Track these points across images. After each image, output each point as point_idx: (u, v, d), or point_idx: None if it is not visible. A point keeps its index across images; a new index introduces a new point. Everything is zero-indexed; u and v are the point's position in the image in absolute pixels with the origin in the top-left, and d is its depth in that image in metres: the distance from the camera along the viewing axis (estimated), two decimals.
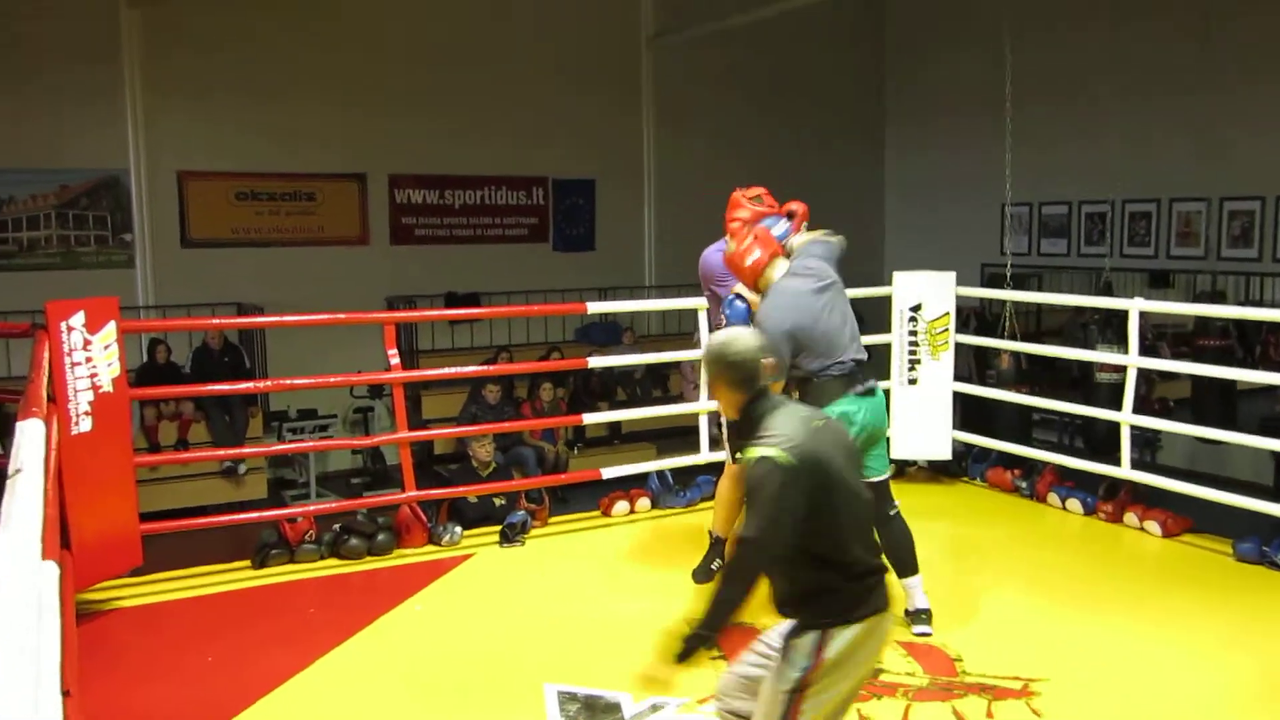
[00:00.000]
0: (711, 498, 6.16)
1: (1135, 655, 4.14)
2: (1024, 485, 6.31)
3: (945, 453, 6.50)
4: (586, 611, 4.62)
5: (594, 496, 6.09)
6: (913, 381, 6.45)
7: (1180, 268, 11.91)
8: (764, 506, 2.55)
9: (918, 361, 6.42)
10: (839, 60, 15.20)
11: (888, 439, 4.42)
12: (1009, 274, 7.35)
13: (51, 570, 2.24)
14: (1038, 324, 12.43)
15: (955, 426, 6.60)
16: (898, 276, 6.49)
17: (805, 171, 13.70)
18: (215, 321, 8.99)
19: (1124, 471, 5.72)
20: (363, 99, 11.91)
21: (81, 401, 4.43)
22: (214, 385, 8.09)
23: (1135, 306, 5.70)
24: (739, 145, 14.12)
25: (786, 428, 2.63)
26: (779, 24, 12.89)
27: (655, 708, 3.68)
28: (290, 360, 10.07)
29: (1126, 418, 5.72)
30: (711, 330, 5.51)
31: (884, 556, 2.80)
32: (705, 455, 6.28)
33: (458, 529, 5.51)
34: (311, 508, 6.01)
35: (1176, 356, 8.88)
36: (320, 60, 11.70)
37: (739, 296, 4.36)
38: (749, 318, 4.23)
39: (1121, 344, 7.19)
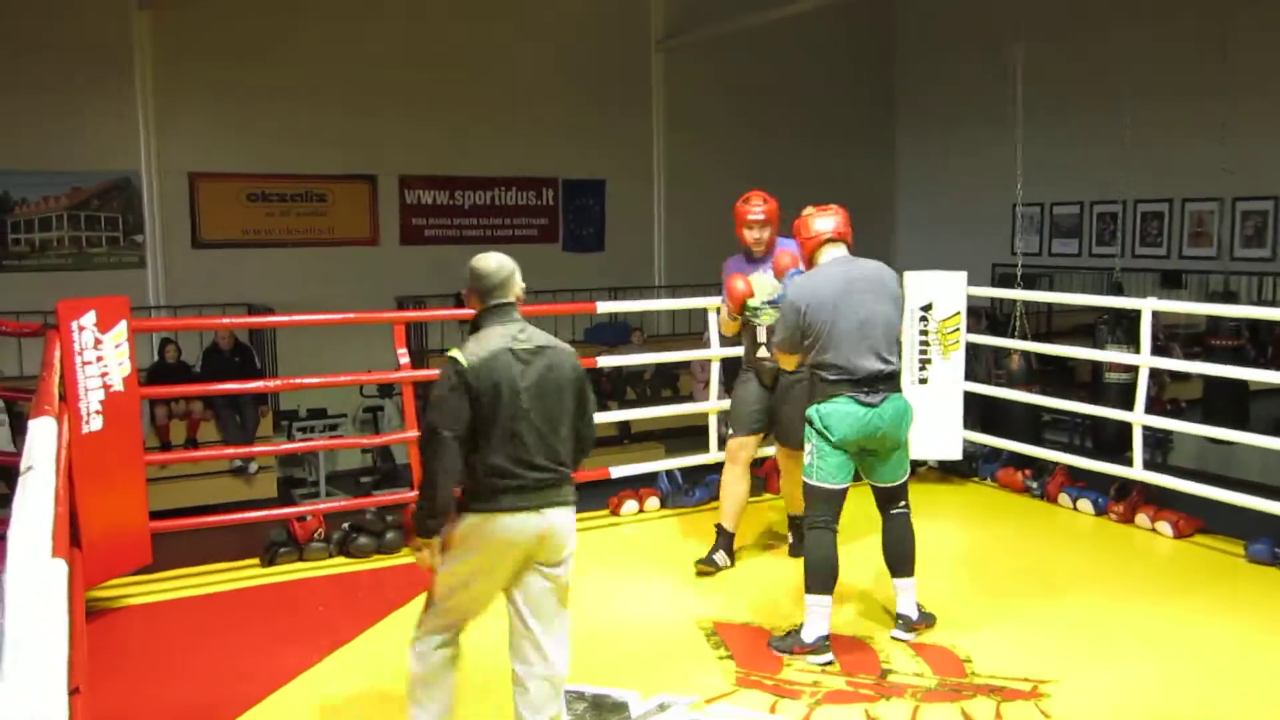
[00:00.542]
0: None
1: (1145, 657, 4.12)
2: (1035, 485, 6.29)
3: (956, 453, 6.47)
4: (594, 610, 4.61)
5: (603, 496, 6.08)
6: (923, 381, 6.43)
7: (1192, 268, 11.87)
8: (435, 394, 3.06)
9: (928, 361, 6.40)
10: (850, 61, 15.18)
11: (909, 447, 4.38)
12: (1019, 274, 7.32)
13: (61, 567, 2.25)
14: (1048, 324, 12.39)
15: (966, 427, 6.57)
16: (909, 276, 6.46)
17: (816, 172, 13.69)
18: (225, 321, 9.06)
19: (1136, 472, 5.69)
20: (373, 101, 11.95)
21: (92, 400, 4.45)
22: (224, 384, 8.11)
23: (1148, 306, 5.67)
24: (749, 147, 14.11)
25: (484, 342, 3.10)
26: (789, 27, 12.89)
27: (662, 707, 3.68)
28: (300, 360, 10.10)
29: (1139, 418, 5.69)
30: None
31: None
32: (714, 454, 6.28)
33: None
34: (321, 506, 6.01)
35: (1189, 357, 8.84)
36: (331, 62, 11.74)
37: (799, 271, 4.64)
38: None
39: (1130, 344, 7.17)
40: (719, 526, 5.16)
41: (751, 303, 5.06)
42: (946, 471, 6.68)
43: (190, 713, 3.68)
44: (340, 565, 5.18)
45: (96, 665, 3.87)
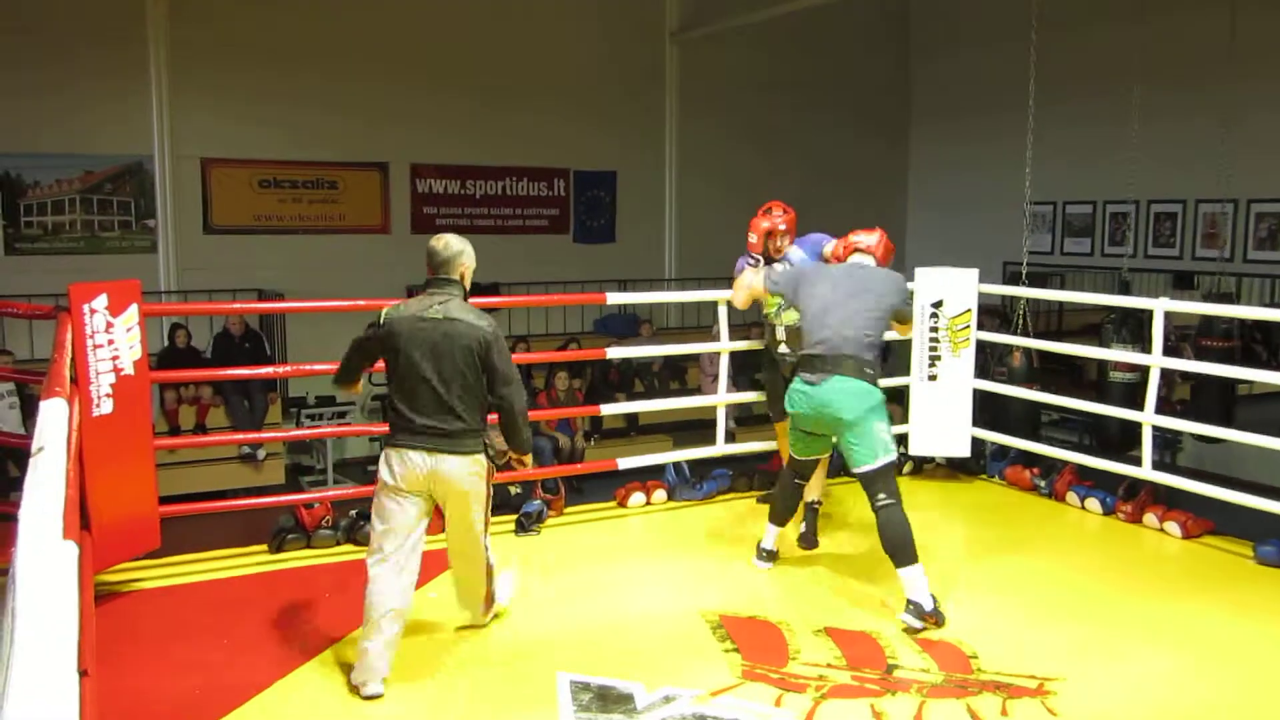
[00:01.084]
0: (727, 491, 6.18)
1: (1152, 656, 4.11)
2: (1043, 484, 6.28)
3: (964, 450, 6.46)
4: (600, 602, 4.62)
5: (610, 487, 6.09)
6: (932, 378, 6.41)
7: (1204, 269, 11.81)
8: (355, 339, 3.97)
9: (938, 358, 6.39)
10: (863, 56, 15.13)
11: (871, 434, 4.42)
12: (1024, 272, 7.31)
13: (71, 550, 2.25)
14: (1059, 323, 12.35)
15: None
16: (920, 272, 6.45)
17: (828, 167, 13.68)
18: (236, 306, 9.07)
19: (1144, 472, 5.67)
20: (386, 89, 11.95)
21: (103, 383, 4.45)
22: (233, 370, 8.10)
23: (1160, 306, 5.65)
24: (761, 140, 14.09)
25: (405, 306, 3.87)
26: (803, 19, 12.85)
27: (668, 699, 3.68)
28: (310, 347, 10.11)
29: (1148, 418, 5.67)
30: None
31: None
32: (722, 448, 6.28)
33: None
34: (329, 493, 6.02)
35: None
36: (345, 50, 11.74)
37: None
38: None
39: (1136, 343, 7.14)
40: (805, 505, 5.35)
41: (770, 300, 5.42)
42: (954, 468, 6.67)
43: (197, 697, 3.69)
44: (348, 552, 5.19)
45: (105, 648, 3.88)
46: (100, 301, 4.47)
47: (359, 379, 4.16)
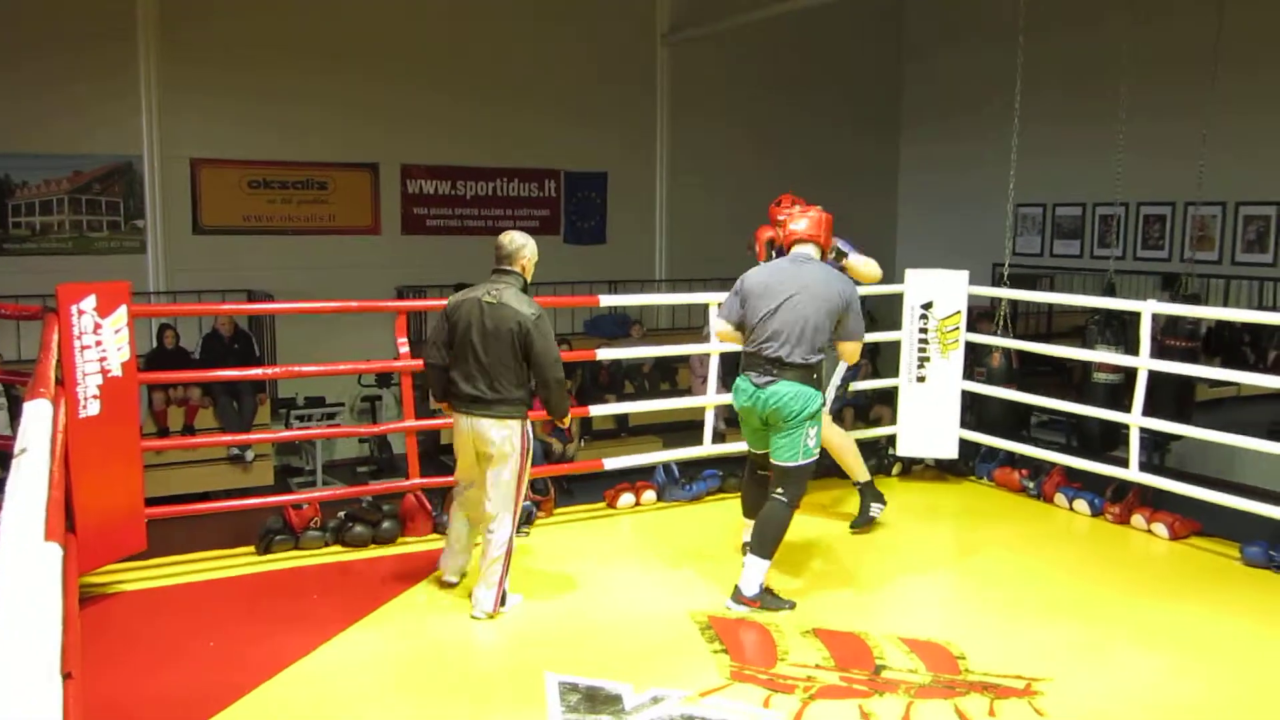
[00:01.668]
0: (716, 492, 6.18)
1: (1139, 657, 4.13)
2: (1031, 485, 6.29)
3: (952, 451, 6.47)
4: (590, 602, 4.62)
5: (599, 489, 6.09)
6: (921, 379, 6.42)
7: (1194, 272, 11.86)
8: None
9: (927, 359, 6.40)
10: (855, 55, 15.17)
11: (800, 438, 4.50)
12: (1006, 273, 7.35)
13: (55, 552, 2.24)
14: (1049, 325, 12.38)
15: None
16: (910, 274, 6.46)
17: (820, 168, 13.68)
18: (226, 306, 9.04)
19: (1132, 473, 5.69)
20: (376, 90, 11.94)
21: (90, 385, 4.43)
22: (221, 371, 8.08)
23: (1148, 309, 5.66)
24: (752, 141, 14.11)
25: (469, 291, 4.43)
26: (794, 20, 12.86)
27: (656, 699, 3.68)
28: (300, 348, 10.10)
29: (1135, 419, 5.69)
30: None
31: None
32: (711, 448, 6.28)
33: None
34: (317, 494, 6.01)
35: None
36: (336, 51, 11.73)
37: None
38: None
39: (1120, 344, 7.16)
40: (858, 484, 5.66)
41: None
42: (944, 470, 6.68)
43: (182, 700, 3.67)
44: (336, 554, 5.17)
45: (89, 651, 3.86)
46: (89, 303, 4.45)
47: (445, 360, 4.49)
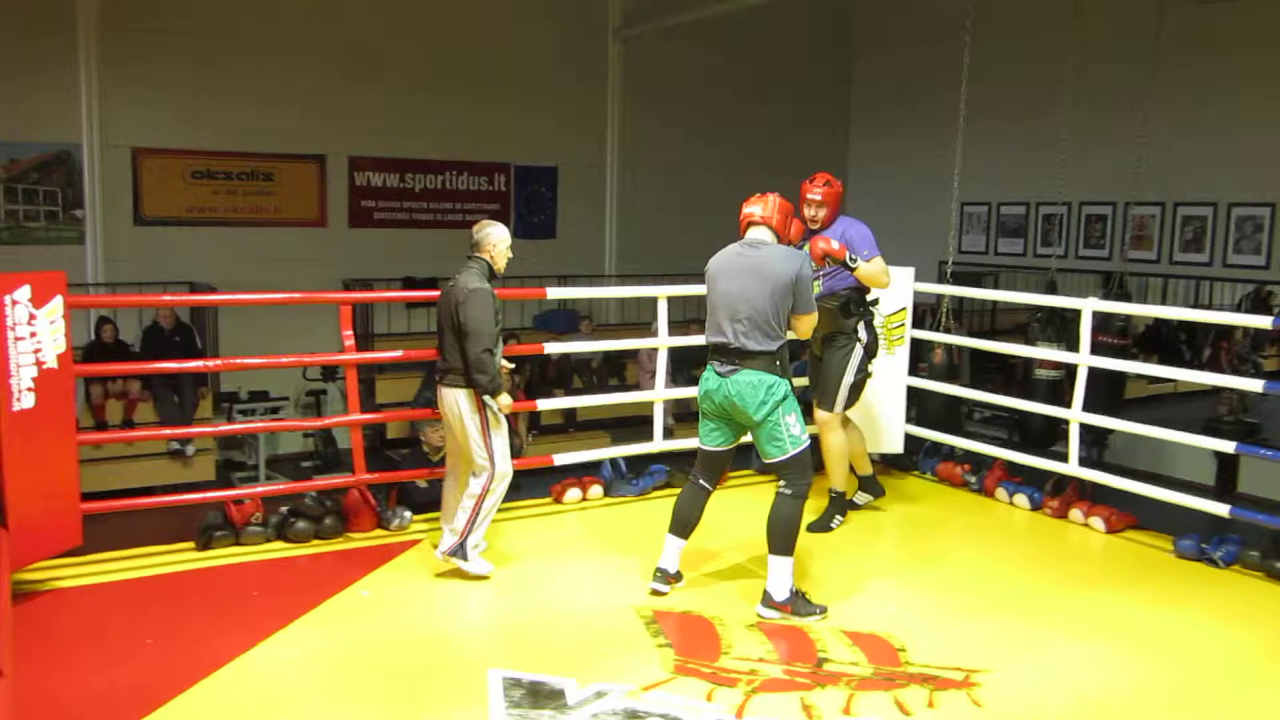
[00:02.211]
0: (664, 487, 6.19)
1: (1076, 647, 4.20)
2: (973, 480, 6.38)
3: (898, 447, 6.54)
4: (533, 597, 4.61)
5: (546, 483, 6.07)
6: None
7: (1132, 270, 12.10)
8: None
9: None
10: (806, 53, 15.28)
11: (782, 430, 4.42)
12: (949, 270, 7.46)
13: None
14: (992, 323, 12.57)
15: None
16: None
17: (770, 163, 13.72)
18: (166, 298, 8.88)
19: (1071, 468, 5.80)
20: (323, 81, 11.81)
21: (24, 377, 4.35)
22: (161, 363, 7.93)
23: (1089, 306, 5.77)
24: (703, 137, 14.16)
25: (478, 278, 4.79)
26: (745, 17, 12.92)
27: (600, 694, 3.68)
28: (243, 342, 9.96)
29: (1075, 415, 5.79)
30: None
31: None
32: (660, 444, 6.29)
33: (407, 514, 5.46)
34: (258, 490, 5.93)
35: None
36: (282, 40, 11.58)
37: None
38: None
39: (1061, 341, 7.29)
40: (833, 490, 5.64)
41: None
42: (888, 464, 6.75)
43: (119, 697, 3.61)
44: (278, 550, 5.11)
45: (22, 648, 3.79)
46: (23, 293, 4.36)
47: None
